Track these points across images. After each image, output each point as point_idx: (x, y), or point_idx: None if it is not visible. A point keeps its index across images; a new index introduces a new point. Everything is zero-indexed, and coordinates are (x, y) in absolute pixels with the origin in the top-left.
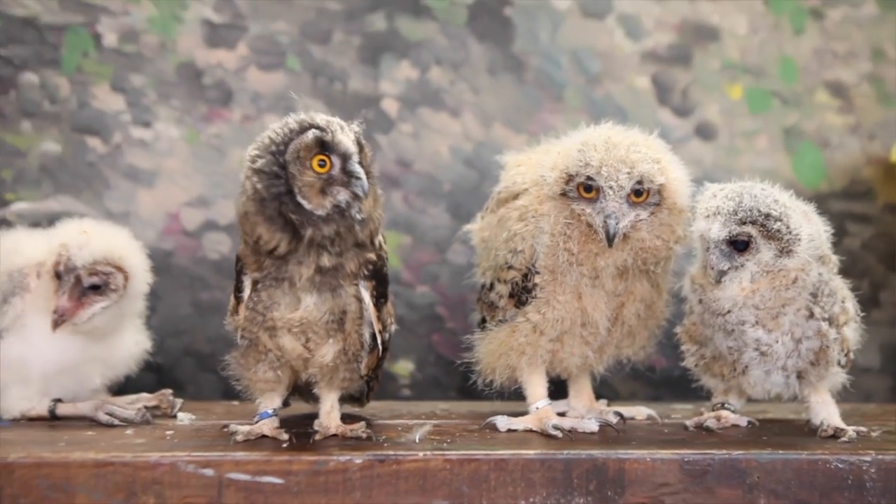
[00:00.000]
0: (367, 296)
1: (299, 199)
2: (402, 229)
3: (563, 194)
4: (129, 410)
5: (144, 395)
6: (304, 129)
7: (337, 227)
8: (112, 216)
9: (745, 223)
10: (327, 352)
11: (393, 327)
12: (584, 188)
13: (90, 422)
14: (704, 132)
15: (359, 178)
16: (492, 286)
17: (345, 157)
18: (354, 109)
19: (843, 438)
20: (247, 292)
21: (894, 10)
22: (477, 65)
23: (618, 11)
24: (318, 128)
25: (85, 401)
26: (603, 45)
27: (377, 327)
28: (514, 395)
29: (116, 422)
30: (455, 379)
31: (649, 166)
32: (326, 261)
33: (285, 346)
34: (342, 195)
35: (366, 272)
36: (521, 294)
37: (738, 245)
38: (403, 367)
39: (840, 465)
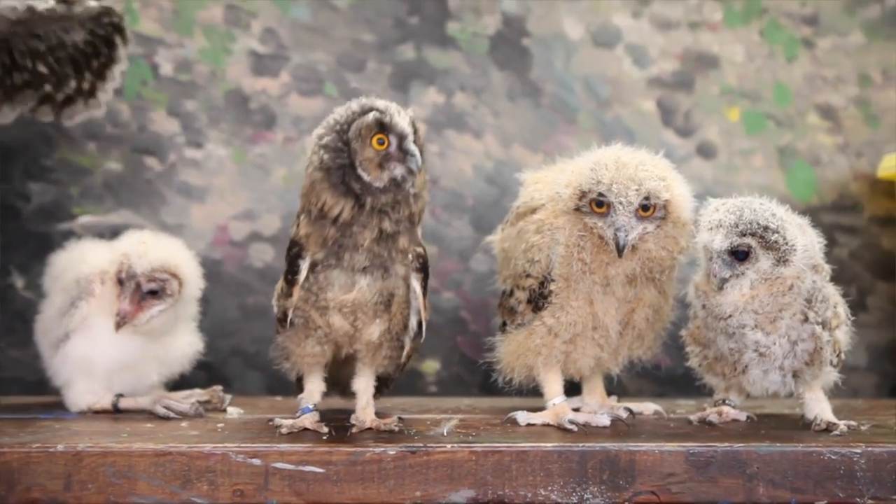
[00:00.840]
0: (417, 286)
1: (360, 171)
2: (430, 240)
3: (577, 209)
4: (184, 405)
5: (197, 390)
6: (365, 111)
7: (394, 196)
8: (167, 228)
9: (745, 235)
10: (374, 330)
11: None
12: (596, 203)
13: (149, 415)
14: (705, 151)
15: (413, 155)
16: (511, 292)
17: (401, 137)
18: None
19: (836, 432)
20: (303, 274)
21: (879, 39)
22: (497, 91)
23: (626, 42)
24: (378, 110)
25: (144, 396)
26: (612, 73)
27: (424, 315)
28: (532, 391)
29: (172, 415)
30: (477, 377)
31: (656, 183)
32: (388, 226)
33: (334, 324)
34: (398, 170)
35: (417, 265)
36: (538, 300)
37: (739, 255)
38: (430, 366)
39: (833, 457)
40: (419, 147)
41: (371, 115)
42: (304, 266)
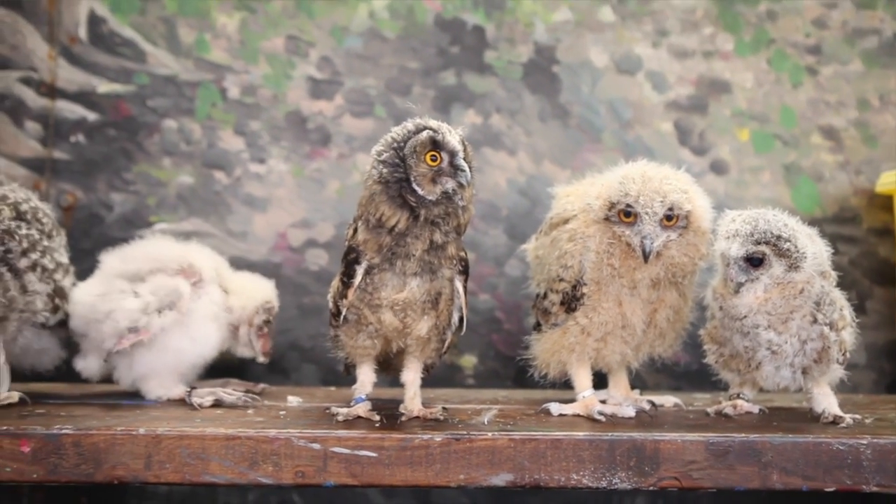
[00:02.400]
0: (460, 286)
1: (414, 185)
2: (468, 247)
3: (607, 219)
4: (234, 396)
5: (234, 380)
6: (419, 130)
7: (445, 208)
8: (233, 235)
9: (760, 243)
10: (423, 326)
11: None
12: (624, 214)
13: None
14: (718, 168)
15: (463, 171)
16: (545, 295)
17: (452, 154)
18: None
19: (842, 424)
20: (358, 278)
21: (876, 67)
22: (530, 112)
23: (646, 69)
24: (431, 129)
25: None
26: (634, 97)
27: (465, 312)
28: (561, 384)
29: (230, 402)
30: (511, 371)
31: (679, 196)
32: (438, 237)
33: (385, 321)
34: (450, 184)
35: (460, 268)
36: (571, 302)
37: (754, 261)
38: (468, 361)
39: (841, 447)
40: (468, 163)
41: (425, 134)
42: (360, 270)
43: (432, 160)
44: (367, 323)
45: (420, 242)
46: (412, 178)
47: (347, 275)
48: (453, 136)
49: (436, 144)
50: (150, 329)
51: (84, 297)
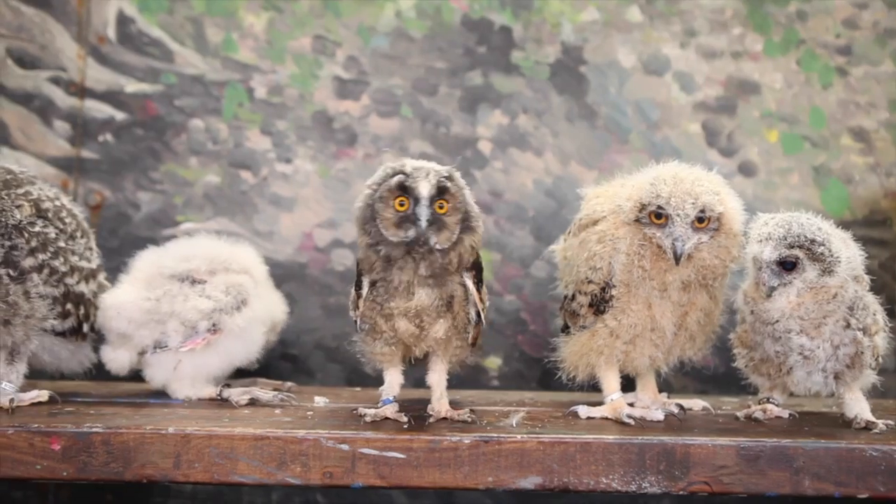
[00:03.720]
0: (470, 284)
1: (380, 226)
2: (494, 248)
3: (637, 220)
4: (268, 395)
5: (262, 380)
6: (395, 173)
7: (407, 251)
8: (259, 235)
9: (793, 247)
10: (439, 328)
11: (488, 303)
12: (655, 215)
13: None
14: (746, 170)
15: (418, 220)
16: (574, 297)
17: (416, 201)
18: (455, 149)
19: (875, 430)
20: (365, 289)
21: None
22: (557, 113)
23: (674, 69)
24: (403, 173)
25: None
26: (661, 97)
27: (480, 307)
28: (588, 387)
29: (266, 400)
30: (536, 372)
31: (710, 197)
32: (423, 270)
33: (399, 328)
34: (411, 231)
35: (468, 265)
36: (600, 304)
37: (787, 265)
38: (493, 362)
39: (874, 454)
40: (454, 207)
41: (395, 179)
42: (366, 282)
43: (400, 205)
44: (381, 331)
45: (404, 274)
46: (378, 220)
47: (358, 285)
48: (426, 182)
49: (404, 190)
50: (224, 328)
51: (129, 297)
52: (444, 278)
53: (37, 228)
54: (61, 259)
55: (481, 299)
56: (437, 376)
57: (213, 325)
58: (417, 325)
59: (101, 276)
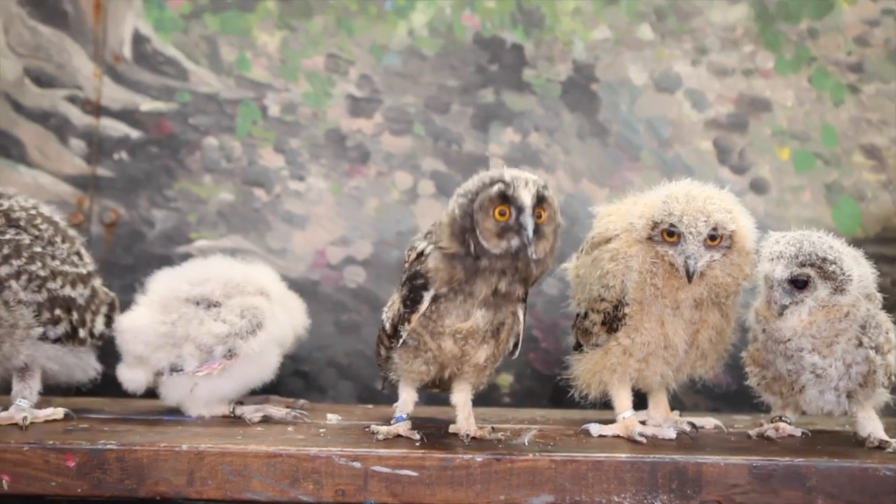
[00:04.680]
0: (521, 314)
1: (479, 238)
2: None
3: (650, 238)
4: (282, 412)
5: (275, 397)
6: (493, 182)
7: (512, 263)
8: (272, 252)
9: (804, 265)
10: (481, 354)
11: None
12: (667, 233)
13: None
14: (758, 187)
15: (525, 229)
16: (586, 315)
17: (520, 210)
18: (467, 167)
19: (889, 449)
20: (425, 304)
21: None
22: (568, 131)
23: (685, 87)
24: (503, 182)
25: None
26: (673, 115)
27: (521, 338)
28: (599, 404)
29: (279, 417)
30: (547, 390)
31: (723, 216)
32: (504, 286)
33: (445, 348)
34: (514, 241)
35: (522, 296)
36: (613, 322)
37: (798, 284)
38: (504, 379)
39: (888, 473)
40: (546, 218)
41: (495, 188)
42: (427, 297)
43: (501, 215)
44: (426, 349)
45: (486, 286)
46: (478, 231)
47: (413, 300)
48: (526, 191)
49: (505, 199)
50: (240, 353)
51: (145, 321)
52: (507, 300)
53: (8, 236)
54: (39, 263)
55: (523, 329)
56: (463, 396)
57: (229, 350)
58: (461, 347)
59: (96, 282)
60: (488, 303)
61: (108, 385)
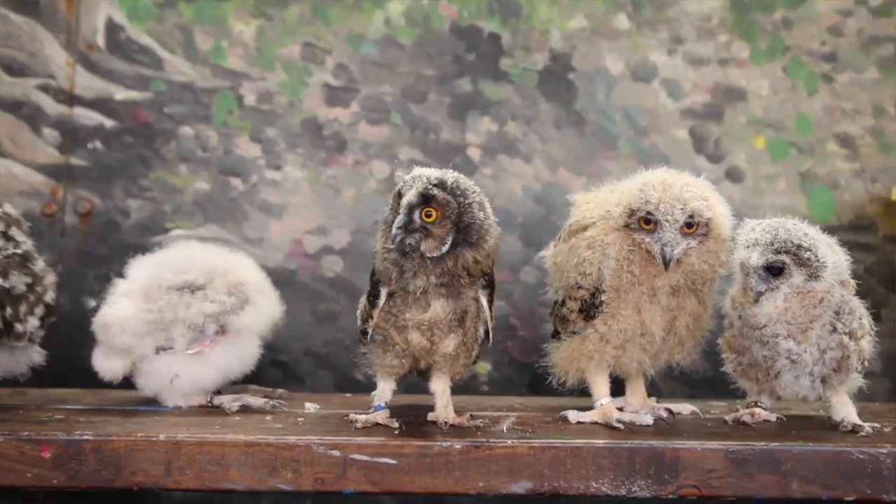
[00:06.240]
0: (485, 302)
1: (385, 235)
2: None
3: (627, 226)
4: (260, 401)
5: (253, 386)
6: (401, 183)
7: (398, 258)
8: (249, 241)
9: (780, 252)
10: (450, 343)
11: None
12: (644, 221)
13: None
14: (733, 175)
15: (392, 224)
16: (563, 303)
17: (406, 207)
18: (445, 156)
19: (862, 433)
20: (382, 299)
21: (892, 74)
22: (545, 120)
23: (662, 76)
24: (404, 181)
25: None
26: (649, 104)
27: (490, 324)
28: (576, 391)
29: (257, 406)
30: (525, 377)
31: (699, 203)
32: (434, 278)
33: (412, 341)
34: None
35: (484, 282)
36: (590, 309)
37: (774, 270)
38: (482, 367)
39: (861, 456)
40: (443, 215)
41: (397, 188)
42: (384, 293)
43: (396, 212)
44: (393, 343)
45: (419, 281)
46: (383, 225)
47: (374, 295)
48: (412, 190)
49: (400, 198)
50: (231, 328)
51: (130, 312)
52: (457, 290)
53: None
54: None
55: (491, 317)
56: (441, 384)
57: (221, 326)
58: (429, 338)
59: (37, 266)
60: (442, 293)
61: (85, 376)
